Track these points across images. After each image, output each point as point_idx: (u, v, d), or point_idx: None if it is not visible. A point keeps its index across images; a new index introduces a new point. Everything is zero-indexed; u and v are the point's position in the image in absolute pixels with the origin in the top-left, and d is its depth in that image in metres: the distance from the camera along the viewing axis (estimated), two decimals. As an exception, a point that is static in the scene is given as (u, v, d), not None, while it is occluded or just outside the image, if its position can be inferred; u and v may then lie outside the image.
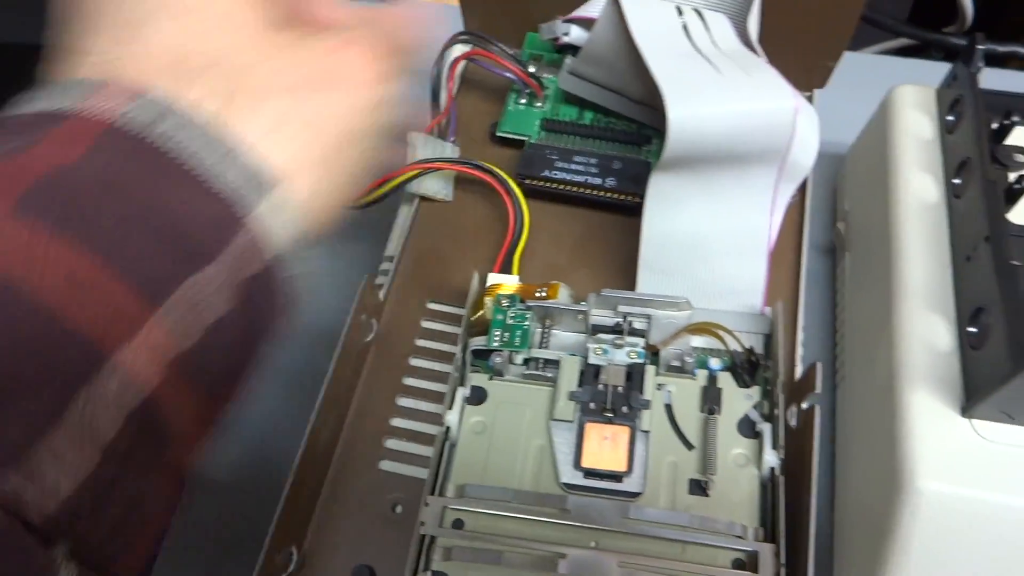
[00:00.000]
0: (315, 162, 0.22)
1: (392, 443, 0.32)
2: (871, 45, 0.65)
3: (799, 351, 0.31)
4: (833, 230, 0.42)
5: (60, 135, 0.19)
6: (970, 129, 0.33)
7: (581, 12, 0.35)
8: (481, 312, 0.32)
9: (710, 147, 0.30)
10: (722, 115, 0.29)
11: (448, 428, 0.30)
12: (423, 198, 0.37)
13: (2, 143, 0.19)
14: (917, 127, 0.36)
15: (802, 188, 0.36)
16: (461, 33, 0.37)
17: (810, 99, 0.39)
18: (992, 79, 0.47)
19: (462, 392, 0.30)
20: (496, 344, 0.31)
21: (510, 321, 0.31)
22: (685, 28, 0.32)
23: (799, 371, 0.32)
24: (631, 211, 0.36)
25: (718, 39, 0.33)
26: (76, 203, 0.18)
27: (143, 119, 0.19)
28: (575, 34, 0.35)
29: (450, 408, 0.30)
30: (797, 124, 0.30)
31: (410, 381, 0.33)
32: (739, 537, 0.26)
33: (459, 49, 0.37)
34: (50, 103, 0.20)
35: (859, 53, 0.52)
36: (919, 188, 0.34)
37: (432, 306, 0.35)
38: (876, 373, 0.32)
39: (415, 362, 0.34)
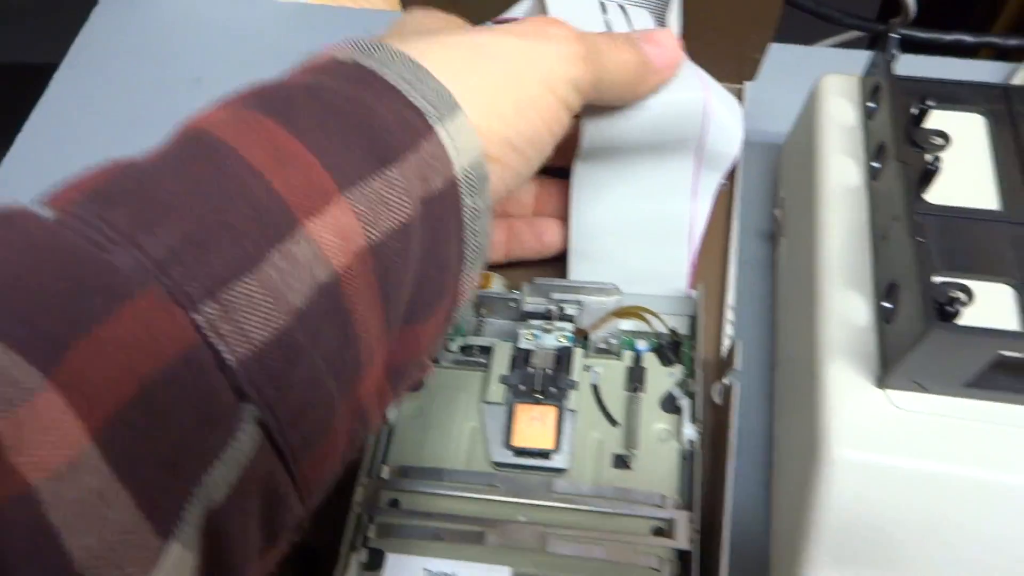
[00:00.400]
0: (505, 106, 0.24)
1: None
2: (829, 38, 0.66)
3: (727, 330, 0.32)
4: (772, 216, 0.43)
5: (301, 68, 0.23)
6: (886, 114, 0.34)
7: (508, 15, 0.36)
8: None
9: (625, 140, 0.31)
10: (632, 109, 0.31)
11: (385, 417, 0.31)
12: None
13: None
14: (841, 114, 0.37)
15: (731, 175, 0.37)
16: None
17: (740, 91, 0.40)
18: (937, 67, 0.49)
19: (398, 379, 0.32)
20: (432, 332, 0.32)
21: (446, 310, 0.32)
22: (607, 25, 0.33)
23: (726, 350, 0.33)
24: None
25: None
26: (286, 101, 0.21)
27: (358, 54, 0.23)
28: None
29: (386, 394, 0.31)
30: (711, 114, 0.31)
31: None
32: (658, 506, 0.28)
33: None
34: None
35: (804, 46, 0.53)
36: (842, 172, 0.36)
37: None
38: (801, 350, 0.34)
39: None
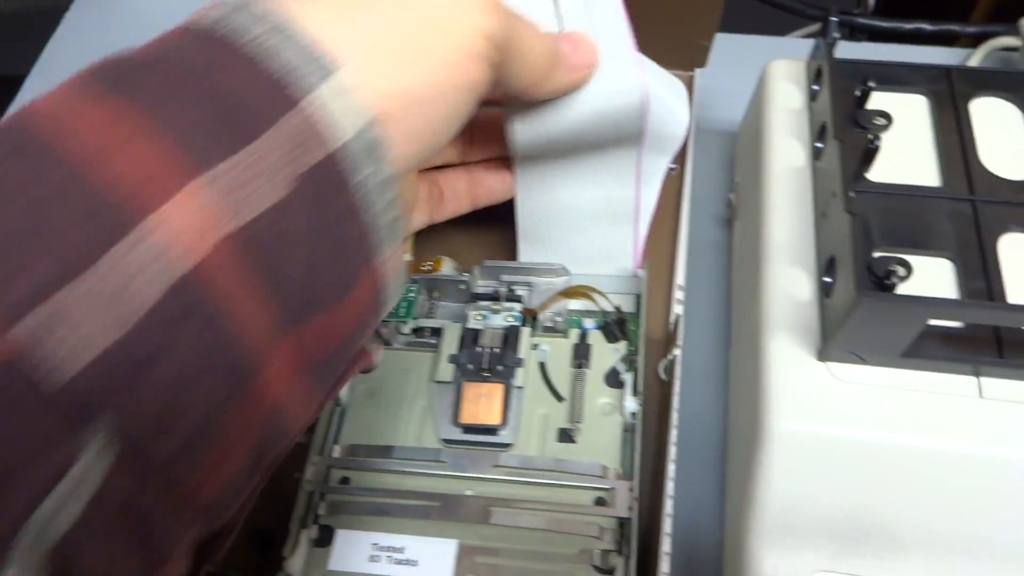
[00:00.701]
0: (401, 56, 0.21)
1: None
2: (800, 29, 0.67)
3: (676, 309, 0.33)
4: (727, 201, 0.44)
5: (157, 39, 0.20)
6: (827, 96, 0.35)
7: None
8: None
9: (562, 135, 0.31)
10: (564, 106, 0.31)
11: (337, 395, 0.32)
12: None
13: None
14: (788, 98, 0.38)
15: (682, 159, 0.38)
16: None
17: (691, 79, 0.41)
18: (897, 54, 0.50)
19: (350, 359, 0.32)
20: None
21: (398, 293, 0.33)
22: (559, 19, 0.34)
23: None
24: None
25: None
26: (132, 75, 0.19)
27: (213, 16, 0.20)
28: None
29: (338, 374, 0.32)
30: (655, 99, 0.32)
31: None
32: (600, 477, 0.28)
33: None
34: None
35: (761, 36, 0.54)
36: (788, 154, 0.36)
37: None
38: (748, 327, 0.34)
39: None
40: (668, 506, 0.27)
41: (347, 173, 0.20)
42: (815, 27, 0.66)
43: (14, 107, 0.54)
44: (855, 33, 0.67)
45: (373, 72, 0.21)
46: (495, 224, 0.38)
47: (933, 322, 0.29)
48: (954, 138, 0.35)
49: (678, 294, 0.34)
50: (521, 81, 0.26)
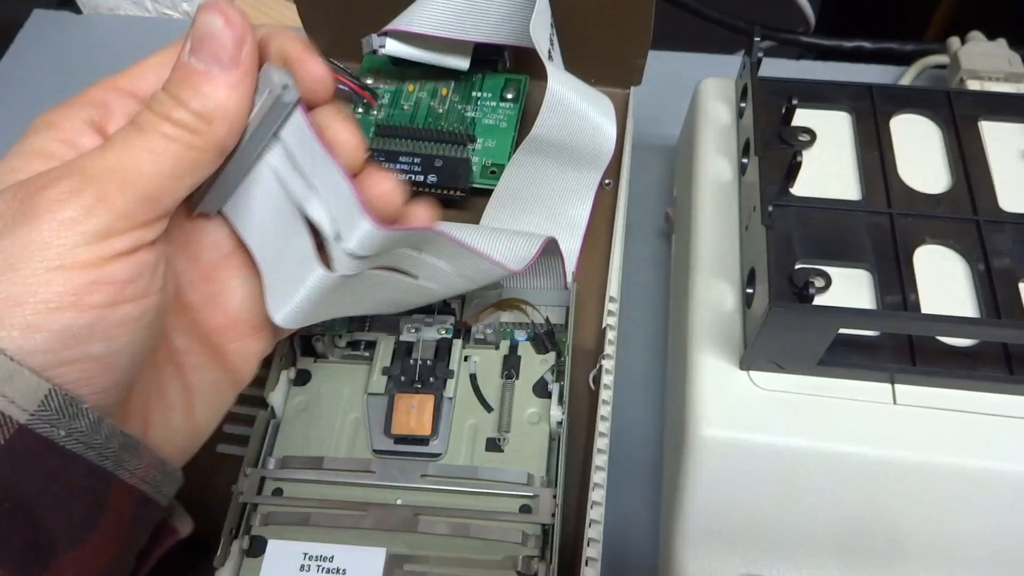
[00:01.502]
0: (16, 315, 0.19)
1: (229, 427, 0.34)
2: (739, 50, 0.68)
3: (607, 320, 0.34)
4: (665, 215, 0.45)
5: None
6: (750, 112, 0.36)
7: (394, 26, 0.38)
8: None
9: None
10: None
11: (271, 408, 0.32)
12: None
13: None
14: (717, 115, 0.39)
15: (617, 173, 0.39)
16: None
17: (627, 96, 0.42)
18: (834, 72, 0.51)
19: (287, 375, 0.33)
20: (318, 329, 0.33)
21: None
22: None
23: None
24: (456, 205, 0.39)
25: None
26: None
27: None
28: (391, 47, 0.38)
29: (272, 390, 0.32)
30: (578, 118, 0.33)
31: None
32: (525, 485, 0.29)
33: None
34: None
35: (703, 54, 0.56)
36: (716, 169, 0.37)
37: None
38: (677, 338, 0.35)
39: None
40: (596, 513, 0.28)
41: (50, 435, 0.20)
42: (766, 46, 0.68)
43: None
44: (804, 53, 0.68)
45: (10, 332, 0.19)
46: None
47: (847, 331, 0.30)
48: (875, 154, 0.36)
49: (610, 305, 0.35)
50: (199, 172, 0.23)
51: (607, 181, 0.39)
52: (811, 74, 0.53)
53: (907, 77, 0.51)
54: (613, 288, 0.35)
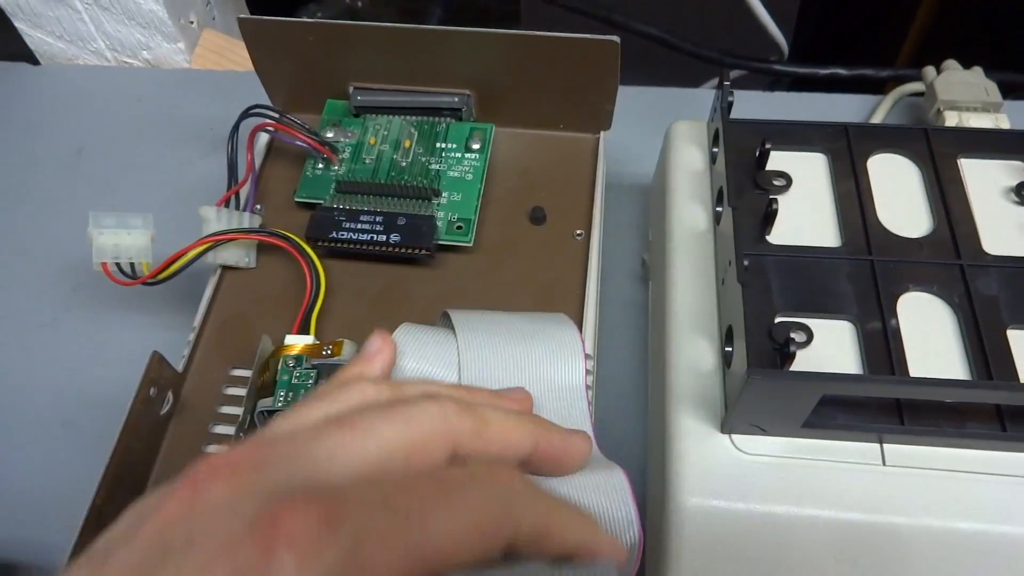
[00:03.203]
0: None
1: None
2: (713, 78, 0.68)
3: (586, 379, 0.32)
4: (641, 260, 0.44)
5: None
6: (722, 159, 0.35)
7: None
8: (267, 374, 0.33)
9: None
10: None
11: (231, 491, 0.30)
12: (226, 267, 0.38)
13: None
14: (689, 160, 0.38)
15: (588, 224, 0.38)
16: (251, 107, 0.38)
17: (598, 140, 0.41)
18: (808, 103, 0.50)
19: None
20: (280, 404, 0.32)
21: (295, 381, 0.32)
22: None
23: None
24: (422, 263, 0.37)
25: None
26: None
27: None
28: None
29: (232, 471, 0.30)
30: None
31: (212, 448, 0.34)
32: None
33: (255, 122, 0.39)
34: None
35: (676, 88, 0.55)
36: (690, 218, 0.36)
37: (235, 372, 0.36)
38: (656, 396, 0.34)
39: (218, 429, 0.34)
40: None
41: None
42: (738, 75, 0.67)
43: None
44: (779, 81, 0.68)
45: None
46: (400, 299, 0.37)
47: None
48: (853, 197, 0.35)
49: (587, 364, 0.33)
50: None
51: (578, 232, 0.37)
52: (784, 106, 0.53)
53: (883, 106, 0.50)
54: (588, 344, 0.34)
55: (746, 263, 0.30)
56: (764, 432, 0.30)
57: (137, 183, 0.51)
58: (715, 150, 0.37)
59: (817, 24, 0.92)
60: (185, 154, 0.52)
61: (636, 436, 0.40)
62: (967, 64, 0.47)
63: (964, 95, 0.44)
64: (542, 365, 0.30)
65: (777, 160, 0.36)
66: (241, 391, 0.35)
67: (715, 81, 0.66)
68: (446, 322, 0.32)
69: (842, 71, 0.58)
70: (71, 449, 0.41)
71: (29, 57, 0.60)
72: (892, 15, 0.94)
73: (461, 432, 0.22)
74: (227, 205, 0.37)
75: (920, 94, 0.51)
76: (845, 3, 0.93)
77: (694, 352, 0.32)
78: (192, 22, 0.57)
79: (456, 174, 0.39)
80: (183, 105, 0.55)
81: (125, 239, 0.36)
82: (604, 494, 0.27)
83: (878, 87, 0.61)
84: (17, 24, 0.57)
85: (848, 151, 0.36)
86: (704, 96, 0.56)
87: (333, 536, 0.17)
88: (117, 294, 0.46)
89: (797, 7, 0.76)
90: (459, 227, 0.37)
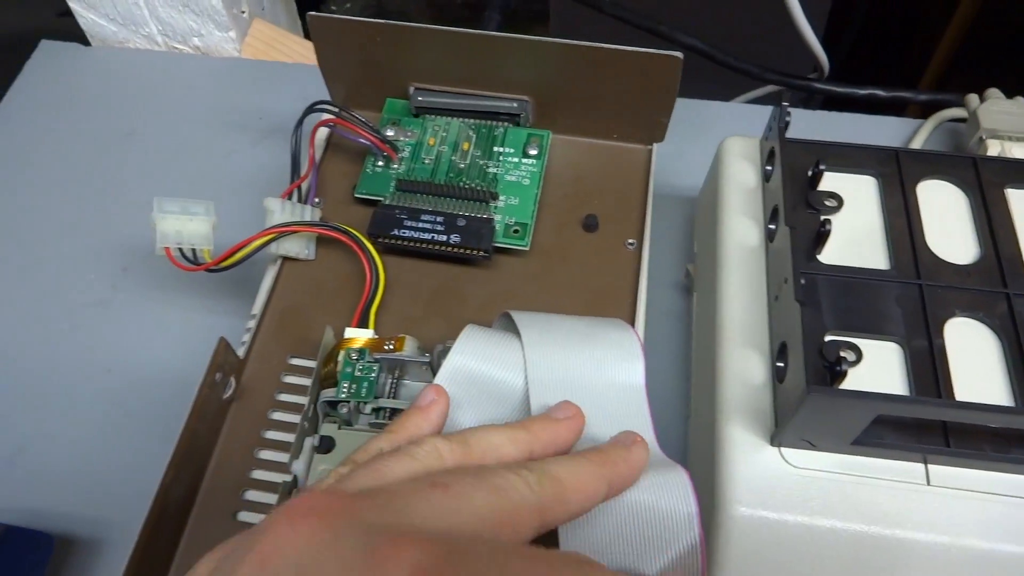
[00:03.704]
0: None
1: (252, 495, 0.34)
2: (751, 91, 0.68)
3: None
4: (685, 271, 0.45)
5: None
6: (778, 179, 0.36)
7: None
8: (332, 365, 0.34)
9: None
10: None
11: (295, 477, 0.31)
12: (286, 258, 0.39)
13: None
14: (742, 176, 0.39)
15: (640, 233, 0.39)
16: (317, 103, 0.39)
17: (650, 152, 0.42)
18: (848, 123, 0.51)
19: (310, 441, 0.32)
20: (344, 395, 0.33)
21: (358, 373, 0.33)
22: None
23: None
24: (477, 264, 0.38)
25: None
26: None
27: None
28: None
29: (296, 458, 0.32)
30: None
31: (270, 434, 0.35)
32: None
33: (319, 118, 0.40)
34: None
35: (721, 102, 0.55)
36: (742, 234, 0.37)
37: (293, 361, 0.37)
38: (704, 406, 0.35)
39: (276, 416, 0.35)
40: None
41: None
42: (763, 90, 0.67)
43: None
44: (812, 97, 0.68)
45: None
46: (454, 298, 0.38)
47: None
48: (903, 221, 0.36)
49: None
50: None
51: (630, 241, 0.38)
52: (825, 125, 0.54)
53: (924, 130, 0.51)
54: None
55: (803, 282, 0.31)
56: (813, 447, 0.31)
57: (187, 168, 0.52)
58: (768, 168, 0.38)
59: (846, 44, 0.93)
60: (234, 143, 0.53)
61: (676, 444, 0.41)
62: (1001, 89, 0.48)
63: (1007, 125, 0.45)
64: (604, 365, 0.31)
65: (828, 180, 0.37)
66: (299, 380, 0.36)
67: (749, 95, 0.68)
68: (505, 323, 0.33)
69: (880, 92, 0.59)
70: (120, 426, 0.42)
71: (80, 38, 0.61)
72: (918, 38, 0.94)
73: (544, 501, 0.23)
74: (290, 198, 0.38)
75: (959, 120, 0.52)
76: (872, 24, 0.94)
77: (744, 365, 0.33)
78: (243, 12, 0.58)
79: (513, 178, 0.40)
80: (232, 94, 0.56)
81: (187, 225, 0.37)
82: (666, 492, 0.28)
83: (900, 108, 0.62)
84: (71, 4, 0.58)
85: (898, 175, 0.37)
86: (741, 112, 0.57)
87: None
88: (165, 276, 0.47)
89: (823, 27, 0.77)
90: (516, 231, 0.38)
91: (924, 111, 0.57)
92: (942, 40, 0.89)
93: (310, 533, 0.19)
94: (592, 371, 0.31)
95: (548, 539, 0.25)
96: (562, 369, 0.31)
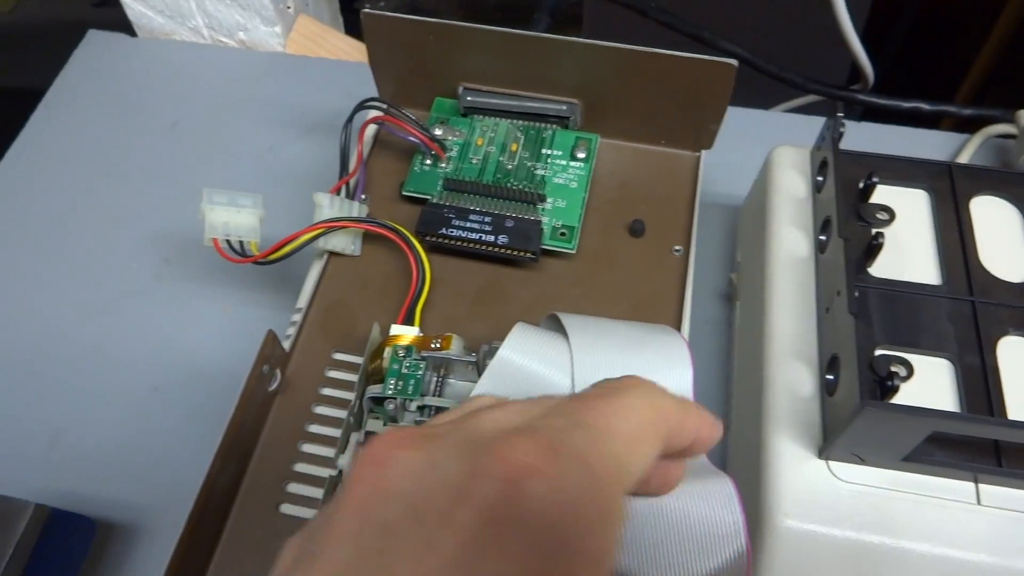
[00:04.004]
0: None
1: (294, 487, 0.34)
2: (790, 100, 0.68)
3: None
4: (728, 279, 0.44)
5: None
6: (831, 190, 0.35)
7: None
8: (379, 361, 0.34)
9: None
10: None
11: (340, 471, 0.31)
12: (332, 253, 0.39)
13: None
14: (791, 186, 0.39)
15: (686, 240, 0.38)
16: (367, 100, 0.40)
17: (698, 159, 0.41)
18: (892, 135, 0.51)
19: (356, 437, 0.32)
20: (390, 392, 0.33)
21: (405, 370, 0.33)
22: None
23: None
24: (523, 265, 0.38)
25: None
26: None
27: None
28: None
29: (342, 452, 0.32)
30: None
31: (314, 428, 0.35)
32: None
33: (367, 114, 0.40)
34: None
35: (765, 111, 0.55)
36: (791, 244, 0.37)
37: (337, 356, 0.37)
38: (749, 417, 0.35)
39: (319, 410, 0.35)
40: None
41: None
42: (803, 99, 0.67)
43: (27, 135, 0.54)
44: (851, 108, 0.68)
45: None
46: (499, 299, 0.38)
47: (934, 428, 0.29)
48: (955, 236, 0.36)
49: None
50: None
51: (677, 248, 0.38)
52: (867, 137, 0.53)
53: (971, 145, 0.50)
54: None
55: (857, 294, 0.31)
56: (862, 461, 0.30)
57: (230, 161, 0.53)
58: (820, 178, 0.38)
59: (887, 55, 0.92)
60: (276, 137, 0.54)
61: (714, 452, 0.40)
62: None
63: (1059, 143, 0.45)
64: (652, 371, 0.31)
65: (879, 193, 0.37)
66: (343, 375, 0.36)
67: (789, 104, 0.67)
68: (552, 324, 0.33)
69: (924, 105, 0.59)
70: (160, 414, 0.42)
71: (127, 28, 0.61)
72: (956, 51, 0.94)
73: (670, 421, 0.23)
74: (338, 193, 0.38)
75: (1006, 136, 0.51)
76: (910, 37, 0.94)
77: (792, 376, 0.33)
78: (289, 7, 0.59)
79: (561, 181, 0.40)
80: (276, 89, 0.57)
81: (235, 217, 0.37)
82: (712, 499, 0.27)
83: (935, 121, 0.61)
84: (120, -5, 0.58)
85: (951, 190, 0.37)
86: (779, 119, 0.56)
87: (564, 458, 0.17)
88: (207, 267, 0.47)
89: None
90: (563, 233, 0.38)
91: (961, 125, 0.56)
92: (980, 54, 0.89)
93: (405, 465, 0.18)
94: (640, 375, 0.31)
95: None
96: (609, 373, 0.31)
